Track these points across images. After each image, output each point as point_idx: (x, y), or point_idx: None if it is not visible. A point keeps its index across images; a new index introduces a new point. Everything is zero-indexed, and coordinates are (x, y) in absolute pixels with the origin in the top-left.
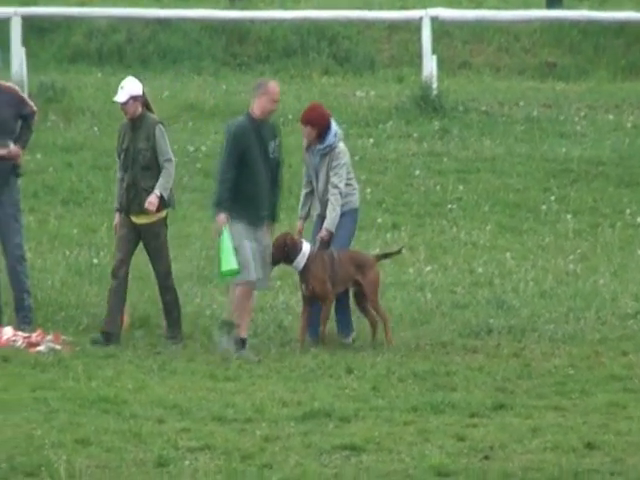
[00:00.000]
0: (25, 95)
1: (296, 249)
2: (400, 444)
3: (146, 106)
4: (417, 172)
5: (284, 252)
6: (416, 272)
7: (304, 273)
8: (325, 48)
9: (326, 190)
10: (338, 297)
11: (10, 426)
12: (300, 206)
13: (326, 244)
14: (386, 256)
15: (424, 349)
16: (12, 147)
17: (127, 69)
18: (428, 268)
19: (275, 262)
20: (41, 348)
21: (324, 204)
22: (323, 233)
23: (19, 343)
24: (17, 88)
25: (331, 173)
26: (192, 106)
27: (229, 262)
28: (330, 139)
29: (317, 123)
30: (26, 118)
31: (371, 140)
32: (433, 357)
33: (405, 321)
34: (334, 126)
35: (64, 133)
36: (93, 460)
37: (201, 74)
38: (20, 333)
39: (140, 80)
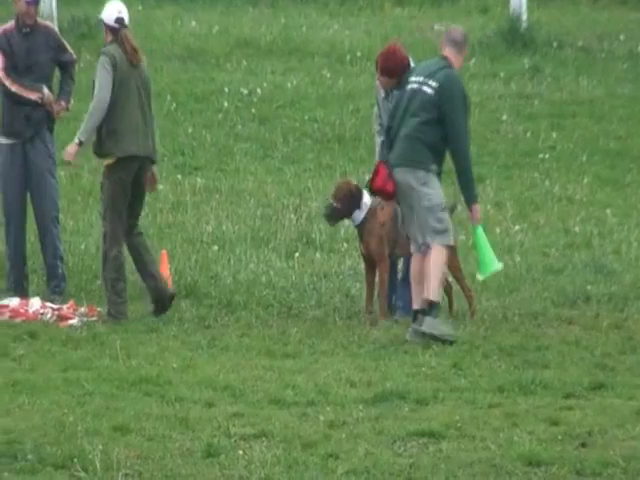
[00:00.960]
0: (64, 40)
1: (360, 199)
2: (484, 430)
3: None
4: (504, 117)
5: (350, 202)
6: (503, 232)
7: (361, 228)
8: None
9: None
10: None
11: (38, 411)
12: (378, 155)
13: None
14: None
15: (512, 320)
16: (46, 92)
17: (172, 2)
18: (517, 227)
19: (342, 215)
20: (73, 322)
21: None
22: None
23: (49, 316)
24: (56, 29)
25: None
26: (246, 42)
27: (492, 262)
28: None
29: (397, 72)
30: (65, 66)
31: None
32: (522, 330)
33: (490, 288)
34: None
35: None
36: (133, 450)
37: (256, 6)
38: (49, 305)
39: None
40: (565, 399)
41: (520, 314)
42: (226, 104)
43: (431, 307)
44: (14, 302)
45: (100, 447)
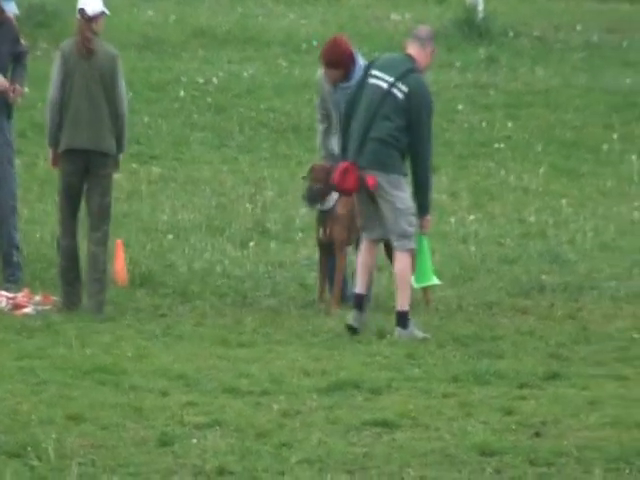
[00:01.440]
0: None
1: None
2: (439, 419)
3: None
4: (460, 107)
5: (329, 181)
6: (458, 222)
7: (328, 213)
8: None
9: None
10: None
11: None
12: (320, 144)
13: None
14: None
15: (467, 310)
16: (1, 79)
17: None
18: (472, 217)
19: (325, 194)
20: (28, 310)
21: None
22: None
23: (3, 304)
24: (14, 22)
25: None
26: (203, 32)
27: (430, 276)
28: (354, 76)
29: (342, 64)
30: (20, 57)
31: None
32: (477, 319)
33: (445, 277)
34: (360, 60)
35: None
36: (87, 439)
37: None
38: (4, 293)
39: (134, 3)
40: (519, 389)
41: (475, 304)
42: (182, 93)
43: (404, 318)
44: None
45: (54, 436)
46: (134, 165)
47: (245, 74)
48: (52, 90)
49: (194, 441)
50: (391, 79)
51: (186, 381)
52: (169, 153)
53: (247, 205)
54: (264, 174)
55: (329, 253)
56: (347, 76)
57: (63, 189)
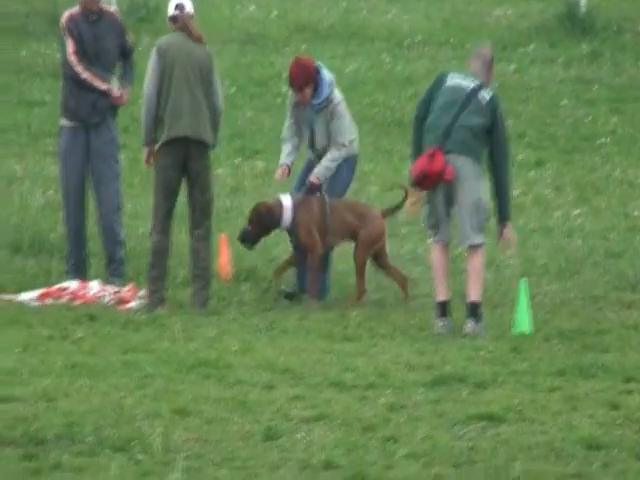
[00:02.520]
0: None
1: (274, 211)
2: (544, 413)
3: None
4: (564, 101)
5: (267, 222)
6: (563, 216)
7: (291, 227)
8: None
9: (327, 146)
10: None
11: (98, 394)
12: (285, 155)
13: (314, 191)
14: (393, 211)
15: (572, 304)
16: (114, 86)
17: None
18: (577, 211)
19: (257, 236)
20: (132, 305)
21: (320, 157)
22: (313, 178)
23: (107, 299)
24: (120, 16)
25: (335, 130)
26: (305, 27)
27: (527, 325)
28: (325, 91)
29: (311, 81)
30: (127, 53)
31: (512, 66)
32: (582, 313)
33: (551, 272)
34: (326, 74)
35: None
36: (192, 433)
37: None
38: (109, 288)
39: None
40: (625, 383)
41: (580, 298)
42: (285, 88)
43: (478, 308)
44: (74, 285)
45: (159, 430)
46: (237, 160)
47: (348, 69)
48: (148, 86)
49: (300, 435)
50: (474, 84)
51: (291, 375)
52: (272, 148)
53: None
54: (367, 169)
55: (304, 257)
56: (317, 91)
57: (161, 184)
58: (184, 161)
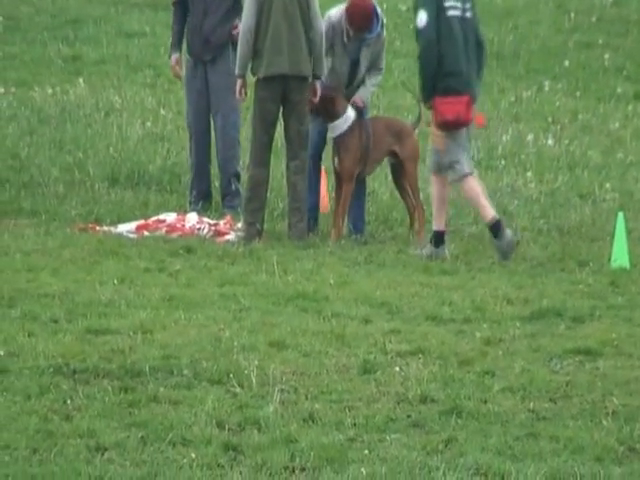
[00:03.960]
0: None
1: (336, 106)
2: None
3: None
4: None
5: (326, 111)
6: None
7: (339, 142)
8: None
9: (365, 75)
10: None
11: (195, 326)
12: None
13: (359, 113)
14: (417, 124)
15: None
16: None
17: None
18: None
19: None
20: (230, 237)
21: (355, 89)
22: (358, 100)
23: (205, 231)
24: None
25: (377, 57)
26: None
27: (625, 258)
28: (377, 29)
29: (371, 25)
30: None
31: None
32: None
33: None
34: (378, 10)
35: None
36: (288, 366)
37: None
38: (206, 220)
39: None
40: None
41: None
42: (384, 21)
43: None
44: (171, 217)
45: (256, 363)
46: None
47: None
48: (247, 19)
49: (396, 369)
50: (459, 3)
51: (388, 308)
52: None
53: None
54: None
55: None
56: (370, 30)
57: (260, 117)
58: (283, 94)
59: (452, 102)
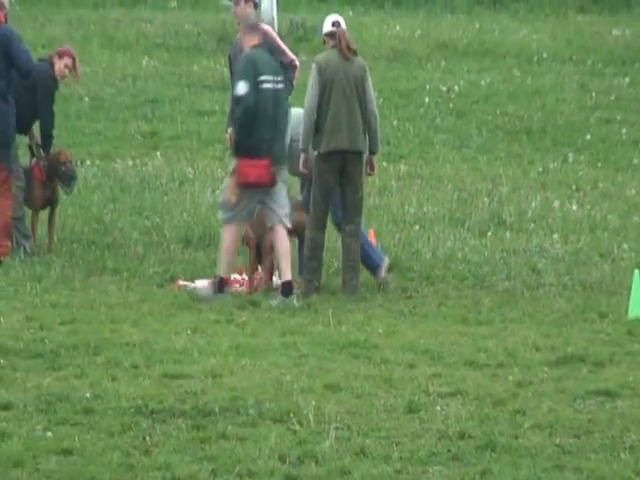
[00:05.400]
0: (284, 45)
1: None
2: None
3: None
4: None
5: None
6: None
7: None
8: None
9: None
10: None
11: (259, 371)
12: None
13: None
14: None
15: None
16: None
17: (379, 9)
18: None
19: None
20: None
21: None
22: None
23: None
24: (275, 35)
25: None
26: (445, 45)
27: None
28: None
29: None
30: (285, 69)
31: (627, 79)
32: None
33: None
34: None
35: None
36: (342, 406)
37: (454, 12)
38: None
39: (384, 20)
40: None
41: None
42: (427, 99)
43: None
44: (236, 277)
45: (313, 403)
46: (384, 163)
47: (483, 82)
48: (310, 99)
49: (438, 408)
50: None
51: (431, 355)
52: (415, 153)
53: (485, 199)
54: (500, 172)
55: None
56: None
57: (320, 186)
58: (341, 167)
59: (255, 165)
